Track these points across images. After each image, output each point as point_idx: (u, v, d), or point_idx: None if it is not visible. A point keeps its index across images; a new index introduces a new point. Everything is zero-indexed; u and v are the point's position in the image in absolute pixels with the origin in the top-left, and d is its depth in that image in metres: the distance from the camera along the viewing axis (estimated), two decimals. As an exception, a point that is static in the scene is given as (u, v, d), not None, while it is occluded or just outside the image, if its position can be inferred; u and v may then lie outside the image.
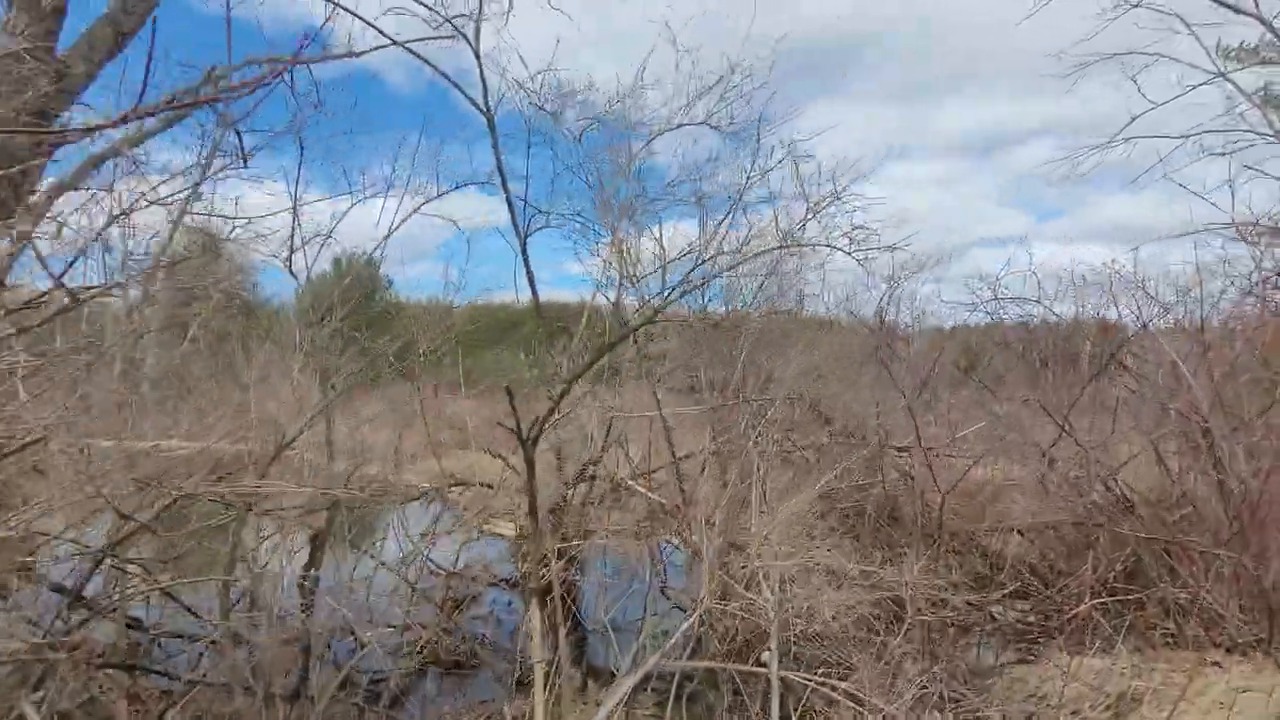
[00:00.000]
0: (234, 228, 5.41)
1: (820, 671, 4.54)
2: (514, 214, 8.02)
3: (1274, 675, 4.75)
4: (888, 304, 10.85)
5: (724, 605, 4.87)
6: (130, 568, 5.16)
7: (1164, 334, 7.44)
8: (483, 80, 6.79)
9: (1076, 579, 6.59)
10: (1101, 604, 5.96)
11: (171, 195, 4.78)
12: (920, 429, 7.58)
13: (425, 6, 6.20)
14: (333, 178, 6.90)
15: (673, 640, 4.79)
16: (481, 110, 7.15)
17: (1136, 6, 8.60)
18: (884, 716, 4.02)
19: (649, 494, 7.85)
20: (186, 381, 8.51)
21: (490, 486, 7.98)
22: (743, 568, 5.17)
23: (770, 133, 6.70)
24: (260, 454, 5.05)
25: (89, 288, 3.59)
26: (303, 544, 6.14)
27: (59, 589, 4.78)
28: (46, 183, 4.37)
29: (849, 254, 5.42)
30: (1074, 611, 6.05)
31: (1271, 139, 7.98)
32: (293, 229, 6.55)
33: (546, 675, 4.63)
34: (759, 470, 5.83)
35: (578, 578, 7.39)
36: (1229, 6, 8.01)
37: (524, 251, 8.38)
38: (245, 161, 5.13)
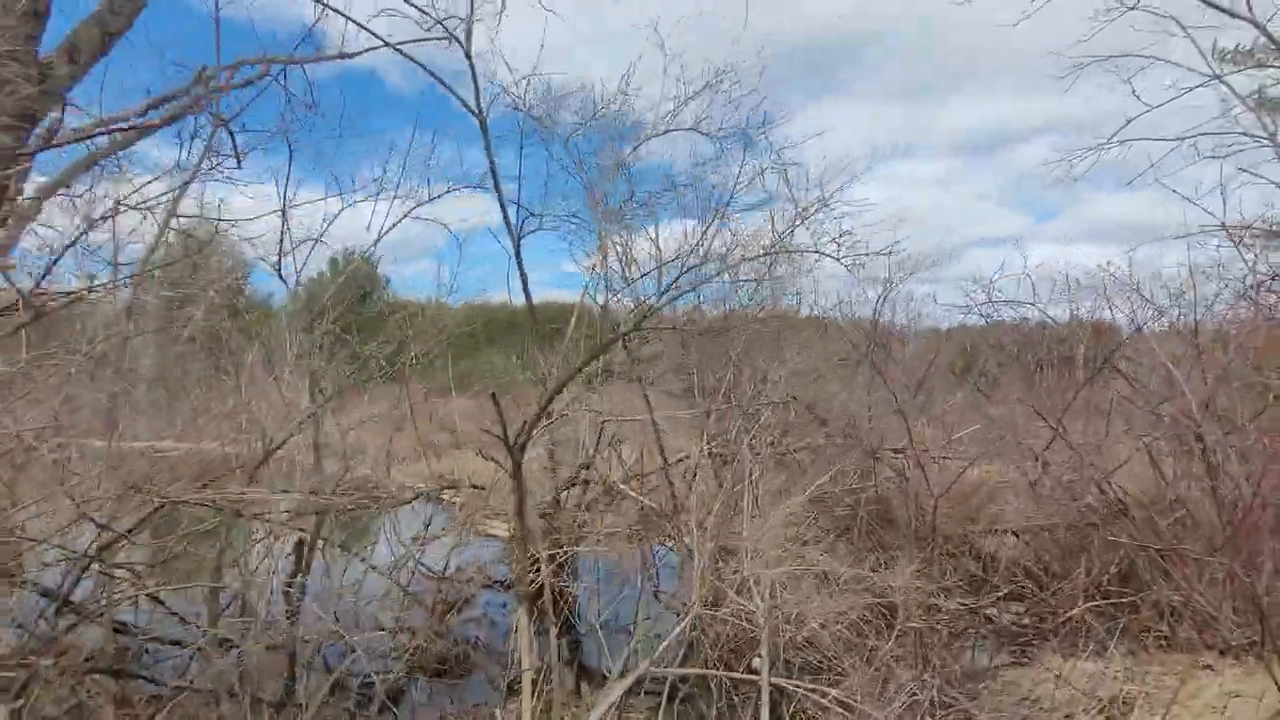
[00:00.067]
0: (214, 231, 5.34)
1: (812, 678, 4.53)
2: (507, 216, 8.01)
3: (1265, 680, 4.74)
4: (881, 306, 10.84)
5: (714, 612, 4.85)
6: (118, 572, 5.13)
7: (1158, 337, 7.44)
8: (475, 82, 6.76)
9: (1070, 582, 6.58)
10: (1095, 606, 5.95)
11: (160, 196, 4.73)
12: (914, 431, 7.57)
13: (417, 9, 6.18)
14: (324, 180, 6.81)
15: (663, 646, 4.77)
16: (474, 112, 7.14)
17: (1133, 9, 8.60)
18: (874, 723, 4.01)
19: (641, 498, 7.83)
20: (180, 383, 8.47)
21: (481, 488, 7.95)
22: (735, 573, 5.15)
23: (761, 137, 6.70)
24: (249, 458, 5.02)
25: (69, 292, 3.55)
26: (292, 549, 6.11)
27: (46, 593, 4.75)
28: (35, 184, 4.35)
29: (837, 260, 5.42)
30: (1067, 614, 6.04)
31: (1265, 142, 7.98)
32: (281, 233, 6.44)
33: (534, 682, 4.61)
34: (751, 474, 5.81)
35: (569, 582, 7.36)
36: (1223, 10, 8.01)
37: (517, 254, 8.37)
38: (239, 162, 5.07)
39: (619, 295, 7.61)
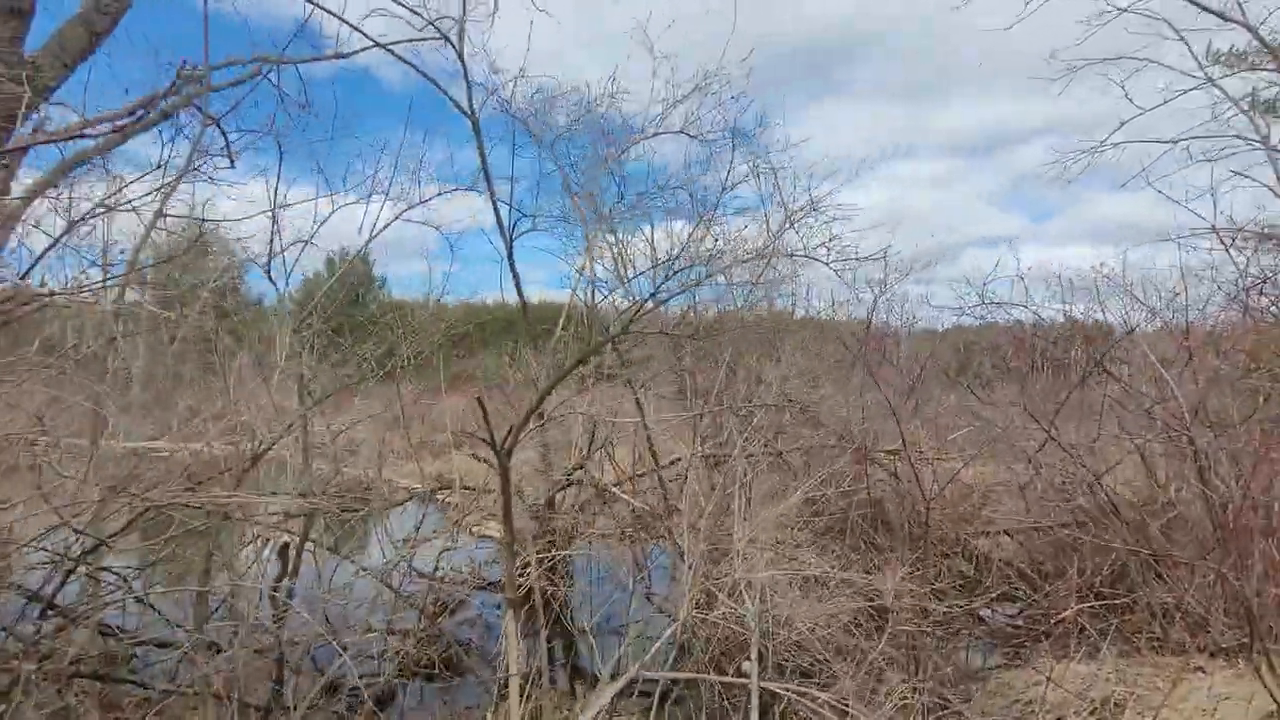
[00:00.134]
0: (200, 232, 5.29)
1: (803, 681, 4.52)
2: (499, 218, 7.99)
3: (1255, 682, 4.75)
4: (875, 307, 10.83)
5: (706, 614, 4.83)
6: (105, 575, 5.08)
7: (1149, 339, 7.46)
8: (467, 83, 6.73)
9: (1063, 583, 6.59)
10: (1088, 608, 5.96)
11: (148, 194, 4.68)
12: (907, 433, 7.57)
13: (409, 9, 6.15)
14: (316, 180, 6.72)
15: (654, 649, 4.76)
16: (466, 114, 7.11)
17: (1125, 11, 8.63)
18: (865, 726, 3.99)
19: (632, 500, 7.82)
20: (169, 385, 8.42)
21: (473, 489, 7.92)
22: (726, 575, 5.14)
23: (751, 139, 6.70)
24: (238, 460, 4.98)
25: (53, 292, 3.52)
26: (281, 551, 6.06)
27: (31, 596, 4.70)
28: (22, 184, 4.31)
29: (826, 264, 5.42)
30: (1060, 616, 6.05)
31: (1257, 144, 8.01)
32: (271, 234, 6.35)
33: (522, 687, 4.58)
34: (743, 476, 5.80)
35: (562, 585, 7.34)
36: (1216, 13, 8.05)
37: (510, 255, 8.35)
38: (233, 162, 5.02)
39: (610, 296, 7.60)
